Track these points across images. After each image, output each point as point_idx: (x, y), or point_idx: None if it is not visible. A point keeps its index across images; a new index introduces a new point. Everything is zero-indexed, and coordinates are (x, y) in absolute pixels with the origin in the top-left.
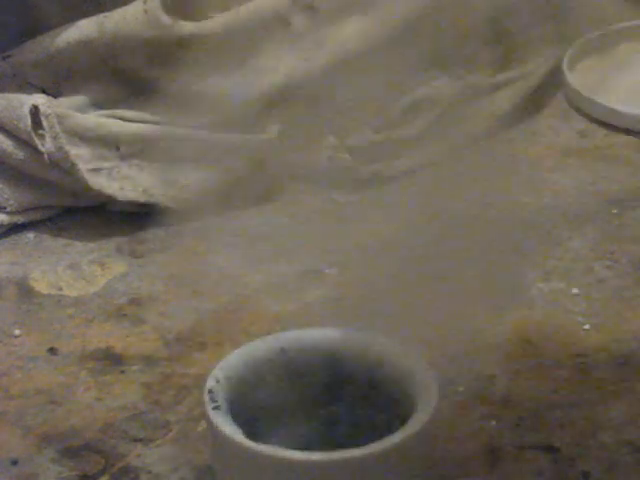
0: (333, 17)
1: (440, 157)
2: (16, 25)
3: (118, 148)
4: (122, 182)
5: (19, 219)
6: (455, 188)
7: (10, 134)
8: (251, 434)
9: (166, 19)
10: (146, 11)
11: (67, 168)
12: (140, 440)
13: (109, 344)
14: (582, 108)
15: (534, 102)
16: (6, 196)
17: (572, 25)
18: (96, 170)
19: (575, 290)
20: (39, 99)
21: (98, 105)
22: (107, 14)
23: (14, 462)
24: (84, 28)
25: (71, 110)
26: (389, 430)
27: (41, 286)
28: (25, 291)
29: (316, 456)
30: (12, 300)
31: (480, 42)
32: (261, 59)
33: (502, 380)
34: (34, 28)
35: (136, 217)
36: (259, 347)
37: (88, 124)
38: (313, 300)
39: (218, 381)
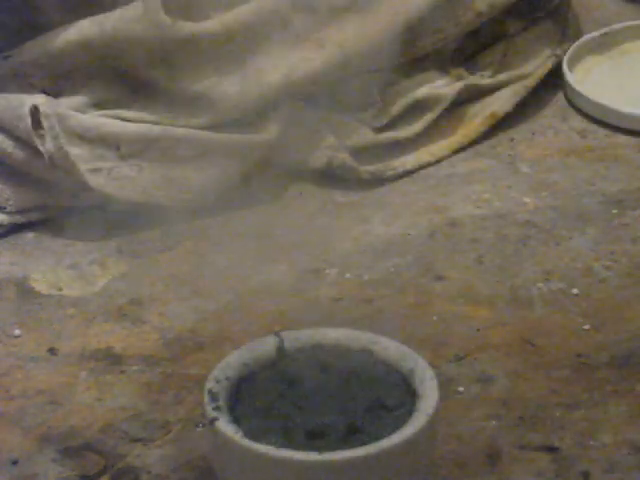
0: (333, 17)
1: (440, 157)
2: (16, 25)
3: (118, 148)
4: (122, 182)
5: (19, 219)
6: (455, 188)
7: (10, 134)
8: (251, 434)
9: (166, 19)
10: (146, 11)
11: (67, 168)
12: (140, 440)
13: (109, 344)
14: (582, 108)
15: (534, 102)
16: (6, 196)
17: (572, 25)
18: (96, 170)
19: (575, 290)
20: (39, 99)
21: (98, 105)
22: (107, 14)
23: (14, 462)
24: (84, 28)
25: (71, 110)
26: (389, 430)
27: (41, 286)
28: (25, 291)
29: (316, 456)
30: (12, 300)
31: (480, 42)
32: (261, 59)
33: (502, 380)
34: (34, 28)
35: (136, 217)
36: (259, 347)
37: (88, 124)
38: (313, 300)
39: (218, 381)
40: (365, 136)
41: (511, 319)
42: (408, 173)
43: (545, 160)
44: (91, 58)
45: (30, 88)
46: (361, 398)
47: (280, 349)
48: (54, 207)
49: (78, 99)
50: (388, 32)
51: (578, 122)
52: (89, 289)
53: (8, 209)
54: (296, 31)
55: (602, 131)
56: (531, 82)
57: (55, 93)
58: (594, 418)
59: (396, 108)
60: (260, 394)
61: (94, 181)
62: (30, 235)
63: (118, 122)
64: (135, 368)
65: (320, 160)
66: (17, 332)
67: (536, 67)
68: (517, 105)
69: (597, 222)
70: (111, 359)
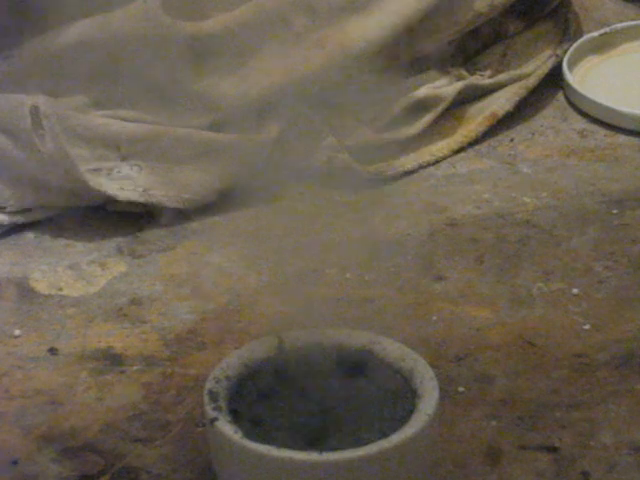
0: (333, 17)
1: (439, 157)
2: (16, 25)
3: (118, 148)
4: (122, 182)
5: (19, 219)
6: (455, 188)
7: (10, 134)
8: (251, 434)
9: (166, 19)
10: (146, 11)
11: (67, 168)
12: (140, 440)
13: (109, 344)
14: (582, 108)
15: (534, 102)
16: (6, 196)
17: (572, 25)
18: (96, 170)
19: (575, 290)
20: (39, 99)
21: (98, 105)
22: (107, 14)
23: (14, 462)
24: (84, 28)
25: (71, 110)
26: (389, 430)
27: (41, 286)
28: (25, 291)
29: (316, 456)
30: (12, 300)
31: (480, 42)
32: (261, 59)
33: (502, 380)
34: (34, 28)
35: (136, 217)
36: (259, 347)
37: (88, 124)
38: (313, 300)
39: (218, 381)
40: (365, 136)
41: (511, 319)
42: (408, 173)
43: (545, 160)
44: (91, 58)
45: (30, 88)
46: (361, 398)
47: (280, 349)
48: (54, 207)
49: (78, 99)
50: (388, 32)
51: (578, 122)
52: (89, 289)
53: (8, 209)
54: (296, 31)
55: (602, 131)
56: (531, 82)
57: (55, 93)
58: (594, 418)
59: (396, 108)
60: (260, 394)
61: (94, 181)
62: (30, 235)
63: (118, 122)
64: (135, 368)
65: (320, 160)
66: (17, 332)
67: (536, 67)
68: (517, 105)
69: (597, 222)
70: (111, 359)
